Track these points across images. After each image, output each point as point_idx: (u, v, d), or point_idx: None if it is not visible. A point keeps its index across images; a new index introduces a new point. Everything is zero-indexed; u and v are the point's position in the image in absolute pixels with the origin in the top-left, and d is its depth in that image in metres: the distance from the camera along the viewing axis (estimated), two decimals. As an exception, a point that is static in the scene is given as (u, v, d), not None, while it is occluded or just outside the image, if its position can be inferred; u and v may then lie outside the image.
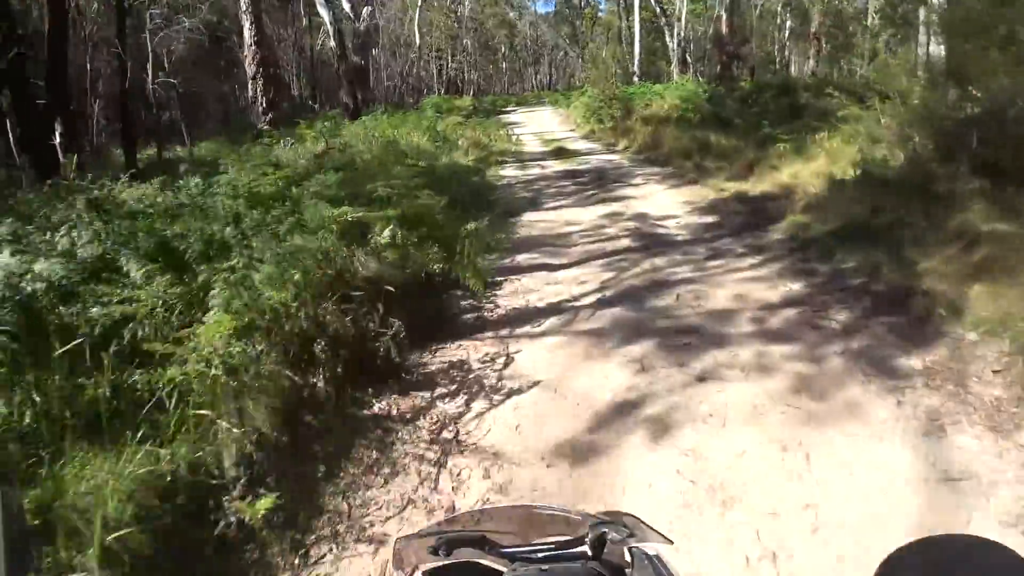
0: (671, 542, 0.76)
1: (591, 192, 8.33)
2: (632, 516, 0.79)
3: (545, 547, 0.75)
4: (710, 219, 6.56)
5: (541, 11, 53.33)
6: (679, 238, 5.86)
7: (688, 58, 30.48)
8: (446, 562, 0.73)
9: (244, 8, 14.30)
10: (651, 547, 0.76)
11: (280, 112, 14.86)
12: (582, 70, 35.73)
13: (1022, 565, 0.60)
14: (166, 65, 14.57)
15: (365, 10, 23.93)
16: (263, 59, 14.51)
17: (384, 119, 16.46)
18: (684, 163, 10.07)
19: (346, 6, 23.51)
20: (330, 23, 18.67)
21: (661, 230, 6.14)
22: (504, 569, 0.71)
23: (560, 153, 12.77)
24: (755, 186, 7.98)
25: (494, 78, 52.05)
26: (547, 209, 7.31)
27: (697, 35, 34.30)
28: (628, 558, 0.74)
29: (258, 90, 14.36)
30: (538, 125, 20.15)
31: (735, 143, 10.89)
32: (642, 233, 6.01)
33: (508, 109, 28.72)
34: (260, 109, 14.38)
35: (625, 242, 5.69)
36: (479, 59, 42.12)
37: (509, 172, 10.39)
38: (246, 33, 14.25)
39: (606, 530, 0.74)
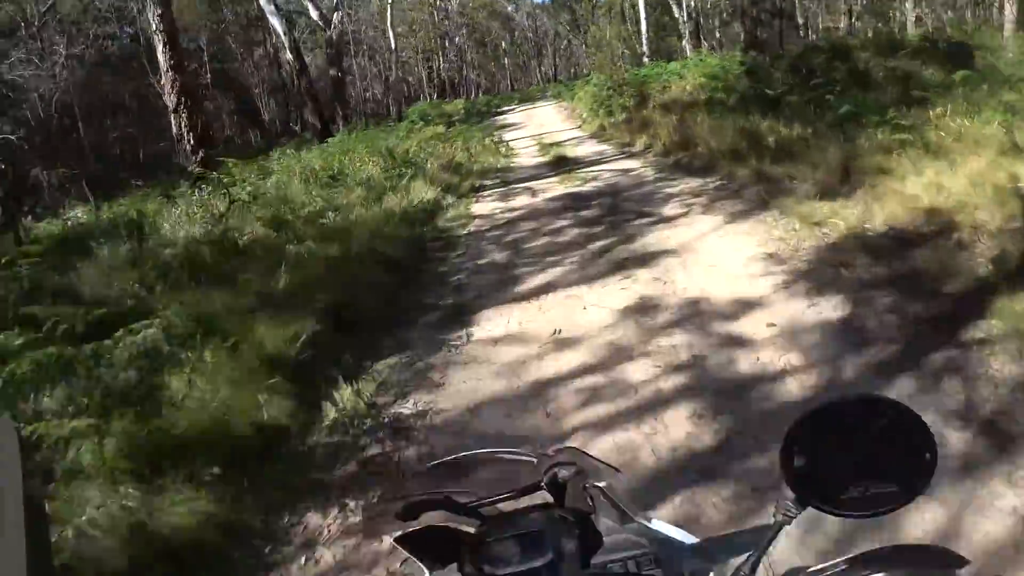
0: (618, 470, 0.76)
1: (602, 241, 5.12)
2: (577, 450, 0.77)
3: (506, 496, 0.73)
4: (832, 310, 3.29)
5: (538, 0, 49.47)
6: (792, 386, 2.65)
7: (700, 32, 26.81)
8: (414, 528, 0.72)
9: (155, 26, 11.45)
10: (602, 481, 0.75)
11: (214, 149, 12.01)
12: (586, 56, 32.16)
13: (908, 414, 0.60)
14: (40, 110, 11.73)
15: (336, 16, 21.01)
16: (184, 86, 11.62)
17: (351, 139, 13.45)
18: (736, 169, 6.78)
19: (314, 14, 20.66)
20: (284, 34, 15.69)
21: (747, 360, 2.89)
22: (471, 528, 0.71)
23: (560, 164, 9.57)
24: (868, 211, 4.68)
25: (497, 75, 48.68)
26: (523, 297, 4.13)
27: (706, 6, 30.45)
28: (589, 500, 0.73)
29: (182, 125, 11.52)
30: (538, 125, 16.87)
31: (800, 131, 7.58)
32: (714, 379, 2.75)
33: (506, 109, 25.36)
34: (187, 148, 11.53)
35: (680, 423, 2.47)
36: (476, 57, 38.71)
37: (485, 207, 7.23)
38: (160, 57, 11.39)
39: (557, 470, 0.72)
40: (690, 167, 7.79)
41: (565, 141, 12.34)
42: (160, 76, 11.82)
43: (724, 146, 7.80)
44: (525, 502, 0.72)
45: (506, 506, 0.73)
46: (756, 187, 6.08)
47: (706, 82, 12.68)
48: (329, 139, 14.53)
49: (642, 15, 24.65)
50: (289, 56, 15.99)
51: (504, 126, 17.61)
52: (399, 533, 0.72)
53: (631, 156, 9.51)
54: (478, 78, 40.12)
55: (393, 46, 20.26)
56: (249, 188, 9.24)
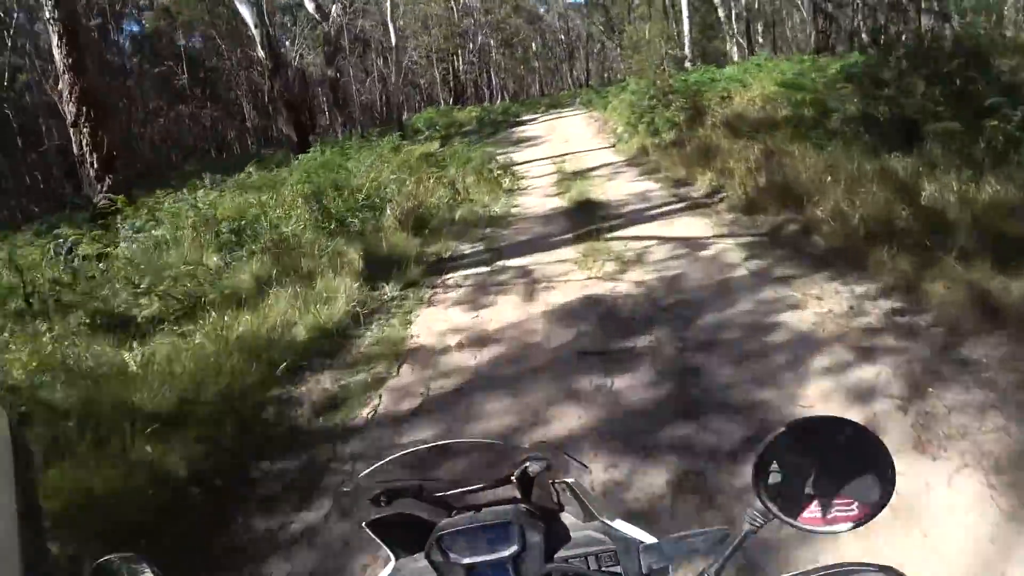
0: (586, 467, 0.77)
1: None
2: (549, 445, 0.76)
3: (477, 488, 0.74)
4: None
5: (570, 0, 45.75)
6: None
7: (751, 32, 22.98)
8: (387, 513, 0.72)
9: (48, 14, 8.41)
10: (569, 477, 0.75)
11: (124, 174, 8.97)
12: (621, 59, 28.55)
13: (871, 438, 0.61)
14: None
15: (334, 8, 17.94)
16: (86, 92, 8.56)
17: (324, 157, 10.29)
18: (918, 275, 3.38)
19: (310, 6, 17.68)
20: (255, 26, 12.61)
21: None
22: (441, 517, 0.71)
23: (585, 215, 6.27)
24: None
25: (527, 79, 45.25)
26: None
27: (754, 6, 26.53)
28: (555, 496, 0.74)
29: (83, 142, 8.46)
30: (561, 141, 13.50)
31: (997, 190, 4.18)
32: None
33: (527, 118, 21.89)
34: (92, 173, 8.50)
35: None
36: (503, 59, 35.30)
37: (436, 323, 3.96)
38: (56, 54, 8.38)
39: (527, 464, 0.72)
40: (804, 247, 4.40)
41: (593, 170, 9.00)
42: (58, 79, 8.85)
43: (866, 209, 4.40)
44: (495, 495, 0.72)
45: (476, 498, 0.72)
46: (997, 343, 2.69)
47: (782, 92, 9.22)
48: (301, 155, 11.44)
49: (684, 13, 21.03)
50: (261, 53, 12.92)
51: (520, 141, 14.33)
52: (370, 518, 0.72)
53: (694, 207, 6.11)
54: (503, 81, 36.73)
55: (394, 43, 17.14)
56: (124, 244, 6.21)
